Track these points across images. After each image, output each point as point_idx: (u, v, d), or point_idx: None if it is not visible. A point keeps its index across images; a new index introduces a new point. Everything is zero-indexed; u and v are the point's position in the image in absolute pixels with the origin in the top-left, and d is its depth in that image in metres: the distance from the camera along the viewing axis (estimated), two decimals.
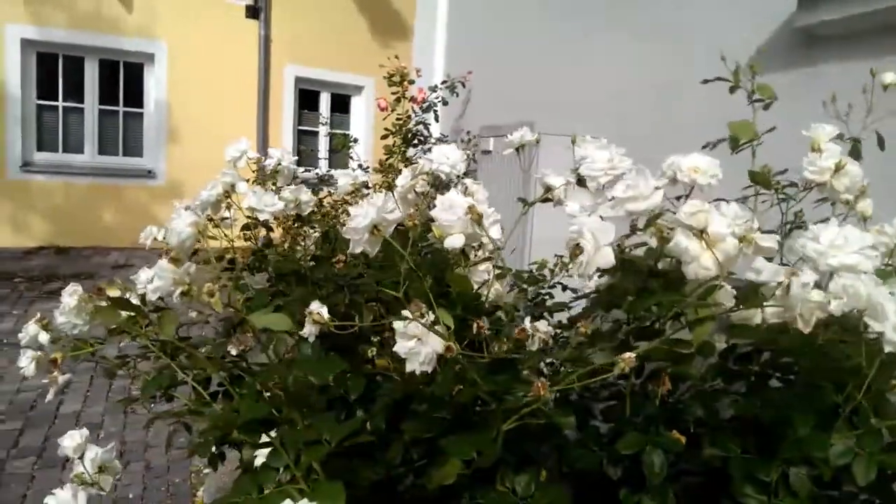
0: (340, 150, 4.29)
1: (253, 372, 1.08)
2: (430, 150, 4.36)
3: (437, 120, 4.34)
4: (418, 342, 0.87)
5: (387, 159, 3.74)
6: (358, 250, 0.91)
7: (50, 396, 1.12)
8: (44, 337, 1.44)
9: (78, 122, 6.86)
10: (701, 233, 0.75)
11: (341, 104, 8.16)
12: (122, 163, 7.03)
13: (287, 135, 7.59)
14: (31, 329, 1.45)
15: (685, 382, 1.11)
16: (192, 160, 7.05)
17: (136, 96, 7.05)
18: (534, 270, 1.57)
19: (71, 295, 1.44)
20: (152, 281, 0.93)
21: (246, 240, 1.73)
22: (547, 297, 1.62)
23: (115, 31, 6.76)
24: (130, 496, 2.72)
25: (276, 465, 0.95)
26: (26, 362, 1.47)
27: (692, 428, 1.04)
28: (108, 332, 1.45)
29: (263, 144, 7.35)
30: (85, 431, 1.05)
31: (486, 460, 0.84)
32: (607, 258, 0.87)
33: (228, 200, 1.40)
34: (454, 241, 0.92)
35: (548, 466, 1.00)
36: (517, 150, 1.31)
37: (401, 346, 0.88)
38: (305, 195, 1.49)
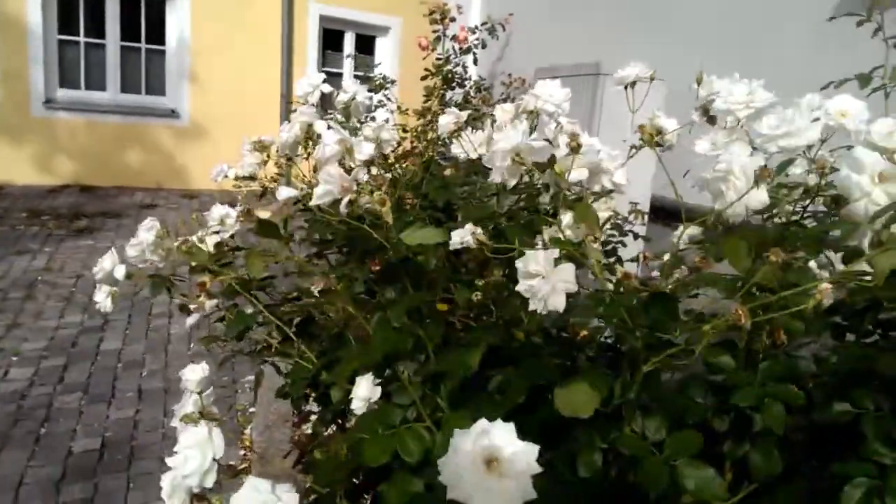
0: (377, 92, 4.17)
1: (392, 301, 1.03)
2: (468, 92, 4.27)
3: (475, 63, 4.20)
4: (541, 280, 0.82)
5: (425, 101, 3.63)
6: (497, 179, 0.85)
7: (191, 321, 1.09)
8: (119, 272, 1.41)
9: (100, 58, 6.73)
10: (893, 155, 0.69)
11: (366, 45, 7.96)
12: (145, 101, 6.92)
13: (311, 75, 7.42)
14: (106, 263, 1.42)
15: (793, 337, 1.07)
16: (215, 100, 6.94)
17: (157, 33, 6.89)
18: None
19: (149, 230, 1.40)
20: (320, 187, 0.87)
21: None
22: (619, 245, 1.58)
23: None
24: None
25: (403, 402, 0.93)
26: (102, 297, 1.45)
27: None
28: (189, 269, 1.42)
29: (287, 85, 7.21)
30: (206, 366, 1.02)
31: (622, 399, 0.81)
32: (761, 198, 0.82)
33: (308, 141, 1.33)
34: (578, 175, 0.87)
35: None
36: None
37: (522, 285, 0.83)
38: (387, 133, 1.42)
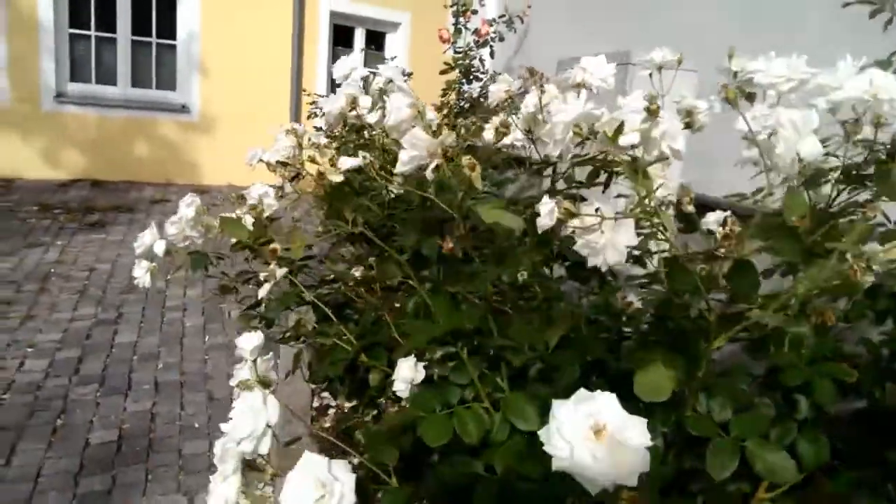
0: None
1: (460, 278, 0.99)
2: (486, 85, 4.22)
3: (492, 56, 4.16)
4: (601, 235, 0.78)
5: (443, 95, 3.60)
6: (555, 152, 0.82)
7: (263, 293, 1.06)
8: (159, 247, 1.39)
9: (110, 52, 6.71)
10: None
11: (377, 41, 7.93)
12: (156, 96, 6.90)
13: (321, 71, 7.40)
14: (146, 239, 1.39)
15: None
16: (225, 96, 6.92)
17: (168, 28, 6.87)
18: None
19: (189, 205, 1.37)
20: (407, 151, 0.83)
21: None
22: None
23: None
24: (196, 425, 2.71)
25: (461, 382, 0.89)
26: (140, 273, 1.42)
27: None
28: (231, 246, 1.39)
29: (297, 81, 7.19)
30: (261, 335, 0.99)
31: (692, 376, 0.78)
32: (814, 147, 0.78)
33: (353, 112, 1.30)
34: (630, 139, 0.84)
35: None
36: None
37: (581, 241, 0.79)
38: (430, 113, 1.38)
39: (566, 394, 0.92)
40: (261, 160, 1.68)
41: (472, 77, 3.85)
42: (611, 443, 0.53)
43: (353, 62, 1.47)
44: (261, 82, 7.04)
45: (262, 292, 1.09)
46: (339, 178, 1.04)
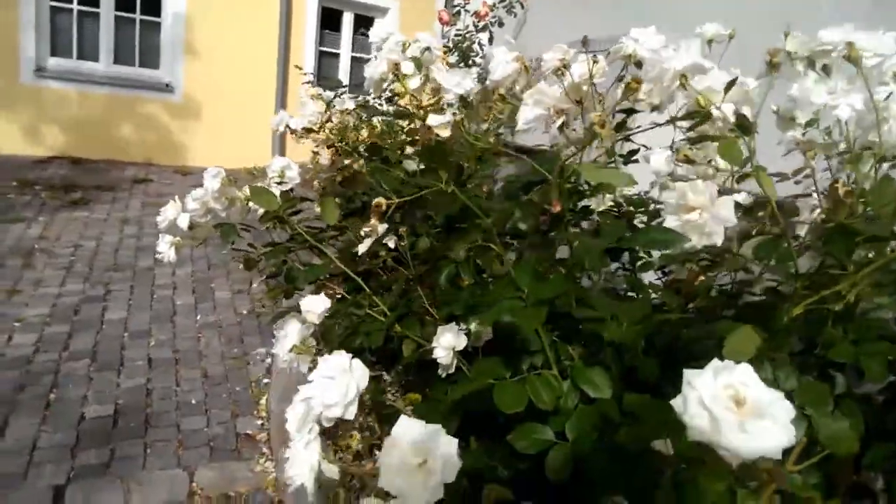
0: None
1: (548, 243, 1.00)
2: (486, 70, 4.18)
3: (490, 42, 4.17)
4: (700, 213, 0.80)
5: None
6: (656, 101, 0.83)
7: (364, 248, 1.05)
8: (183, 221, 1.38)
9: (93, 27, 6.54)
10: None
11: (365, 26, 7.86)
12: (139, 74, 6.76)
13: (309, 55, 7.33)
14: (169, 212, 1.38)
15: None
16: (210, 77, 6.82)
17: (153, 4, 6.73)
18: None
19: (214, 177, 1.36)
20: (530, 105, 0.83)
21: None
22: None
23: None
24: (193, 401, 2.69)
25: (533, 349, 0.90)
26: (165, 247, 1.41)
27: None
28: (259, 218, 1.39)
29: (284, 64, 7.10)
30: (325, 298, 0.98)
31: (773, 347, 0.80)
32: None
33: (394, 78, 1.29)
34: (733, 97, 0.86)
35: None
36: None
37: (676, 220, 0.81)
38: (470, 81, 1.39)
39: (637, 368, 0.94)
40: (287, 126, 1.69)
41: (470, 61, 3.85)
42: (754, 415, 0.53)
43: (388, 26, 1.46)
44: (247, 64, 6.94)
45: (363, 248, 1.08)
46: (446, 133, 1.03)
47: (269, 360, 3.06)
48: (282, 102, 7.11)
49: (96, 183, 5.77)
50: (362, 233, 1.05)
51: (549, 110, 0.80)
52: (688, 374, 0.57)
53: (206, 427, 2.54)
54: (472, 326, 1.30)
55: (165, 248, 1.38)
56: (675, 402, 0.57)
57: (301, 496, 2.29)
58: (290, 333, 0.99)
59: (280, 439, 2.41)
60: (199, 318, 3.47)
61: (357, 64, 7.71)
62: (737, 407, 0.53)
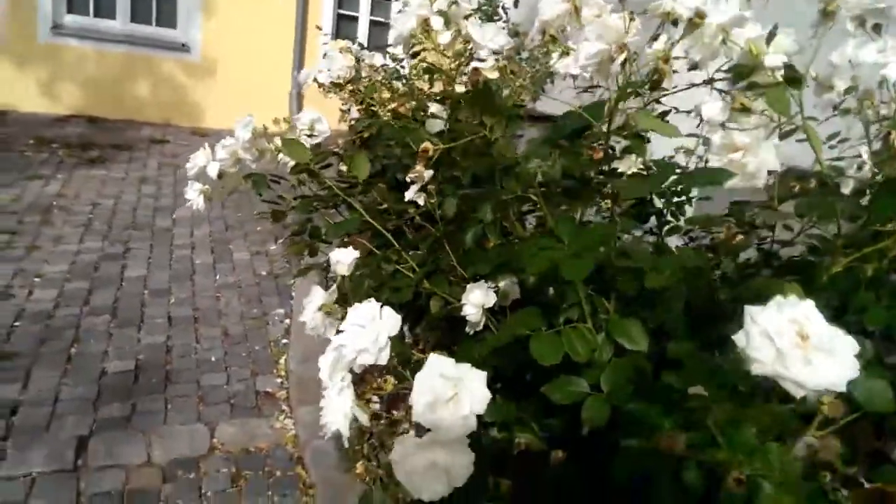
0: None
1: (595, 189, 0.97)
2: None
3: (516, 5, 4.06)
4: (752, 156, 0.77)
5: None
6: (697, 57, 0.79)
7: (411, 194, 1.02)
8: (213, 169, 1.35)
9: None
10: None
11: None
12: (156, 33, 6.70)
13: (327, 17, 7.21)
14: (199, 160, 1.36)
15: None
16: (227, 37, 6.74)
17: None
18: None
19: (245, 126, 1.33)
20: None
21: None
22: None
23: None
24: (213, 359, 2.71)
25: (570, 302, 0.88)
26: (194, 194, 1.39)
27: None
28: (290, 170, 1.36)
29: (302, 25, 7.00)
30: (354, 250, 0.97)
31: None
32: None
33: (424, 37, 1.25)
34: (773, 60, 0.82)
35: None
36: None
37: (721, 159, 0.78)
38: (503, 36, 1.34)
39: (671, 323, 0.91)
40: (315, 80, 1.65)
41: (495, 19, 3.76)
42: (818, 349, 0.52)
43: None
44: (264, 25, 6.85)
45: (410, 194, 1.06)
46: (494, 75, 0.99)
47: (287, 321, 3.07)
48: (299, 64, 7.03)
49: (113, 142, 5.76)
50: (409, 178, 1.02)
51: (612, 46, 0.76)
52: (750, 309, 0.56)
53: (225, 384, 2.55)
54: (501, 285, 1.29)
55: (194, 195, 1.36)
56: (737, 337, 0.56)
57: (319, 452, 2.29)
58: (315, 299, 0.97)
59: (299, 398, 2.42)
60: (217, 277, 3.48)
61: (376, 28, 7.59)
62: (801, 341, 0.52)
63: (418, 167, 0.95)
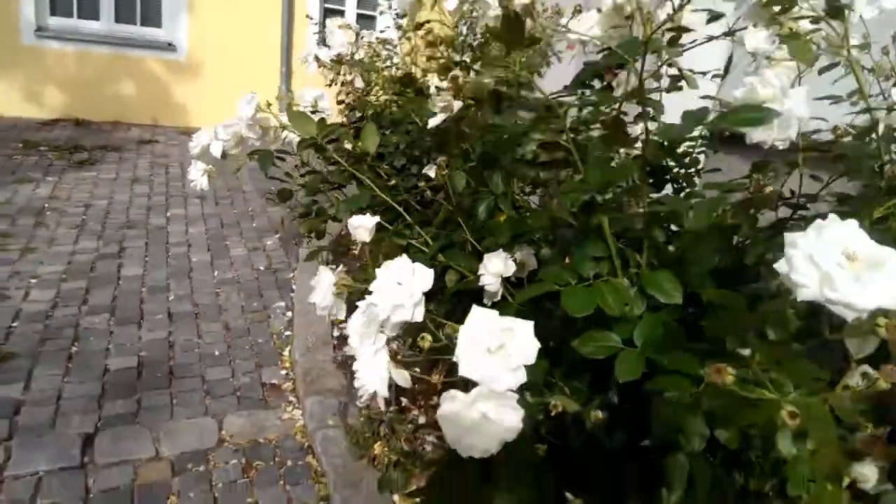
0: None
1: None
2: None
3: None
4: (784, 102, 0.76)
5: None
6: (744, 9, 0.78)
7: (435, 122, 1.01)
8: (216, 148, 1.33)
9: None
10: None
11: None
12: (140, 33, 6.62)
13: (313, 12, 7.15)
14: (202, 138, 1.33)
15: None
16: (213, 36, 6.68)
17: None
18: None
19: (248, 103, 1.31)
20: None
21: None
22: None
23: None
24: (216, 353, 2.68)
25: (597, 254, 0.87)
26: (197, 174, 1.36)
27: None
28: (297, 144, 1.34)
29: (288, 21, 6.95)
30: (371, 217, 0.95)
31: None
32: None
33: None
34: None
35: None
36: None
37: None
38: None
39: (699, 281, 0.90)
40: (316, 57, 1.63)
41: None
42: (867, 267, 0.50)
43: None
44: (250, 22, 6.79)
45: (434, 121, 1.03)
46: (525, 1, 0.97)
47: (289, 314, 3.05)
48: (287, 60, 6.98)
49: (102, 144, 5.70)
50: (437, 108, 1.00)
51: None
52: (790, 236, 0.54)
53: (231, 378, 2.52)
54: (518, 255, 1.27)
55: (198, 175, 1.33)
56: (779, 265, 0.54)
57: (329, 441, 2.27)
58: (324, 279, 0.95)
59: (306, 388, 2.40)
60: (216, 274, 3.45)
61: (363, 21, 7.54)
62: (848, 261, 0.50)
63: (448, 95, 0.92)
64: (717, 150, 1.56)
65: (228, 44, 6.71)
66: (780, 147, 1.25)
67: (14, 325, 2.72)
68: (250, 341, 2.80)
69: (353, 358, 1.48)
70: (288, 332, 2.88)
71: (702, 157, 1.58)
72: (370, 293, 0.77)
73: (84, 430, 2.14)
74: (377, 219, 1.00)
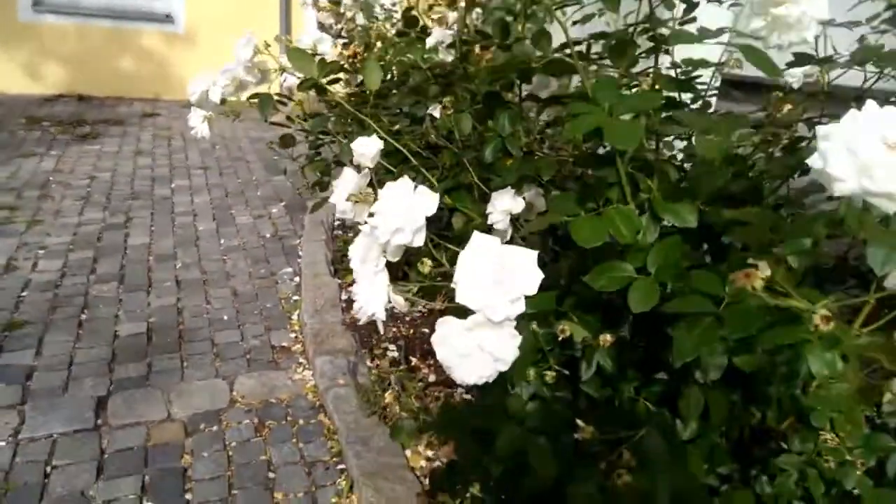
0: None
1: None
2: None
3: None
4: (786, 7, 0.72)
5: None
6: None
7: (433, 40, 0.98)
8: (215, 93, 1.30)
9: None
10: None
11: None
12: (138, 5, 6.54)
13: None
14: (200, 85, 1.31)
15: None
16: (211, 7, 6.58)
17: None
18: None
19: (245, 45, 1.28)
20: None
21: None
22: None
23: None
24: (225, 318, 2.68)
25: (612, 181, 0.84)
26: (197, 121, 1.34)
27: None
28: (297, 86, 1.32)
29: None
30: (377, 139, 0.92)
31: None
32: None
33: None
34: None
35: None
36: None
37: (758, 21, 0.73)
38: None
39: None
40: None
41: None
42: None
43: None
44: None
45: (431, 40, 1.01)
46: None
47: (297, 279, 3.04)
48: (286, 30, 6.89)
49: (105, 118, 5.67)
50: (431, 21, 0.97)
51: None
52: (822, 129, 0.51)
53: (240, 341, 2.53)
54: (526, 195, 1.25)
55: (198, 122, 1.31)
56: (812, 160, 0.51)
57: (340, 399, 2.26)
58: (347, 181, 0.93)
59: (315, 349, 2.40)
60: (222, 241, 3.44)
61: None
62: (888, 149, 0.47)
63: (441, 7, 0.90)
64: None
65: (226, 15, 6.61)
66: (796, 87, 1.21)
67: (24, 294, 2.73)
68: (259, 306, 2.79)
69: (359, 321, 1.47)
70: (296, 297, 2.87)
71: (713, 101, 1.54)
72: (373, 216, 0.75)
73: (97, 393, 2.15)
74: (381, 143, 0.97)
